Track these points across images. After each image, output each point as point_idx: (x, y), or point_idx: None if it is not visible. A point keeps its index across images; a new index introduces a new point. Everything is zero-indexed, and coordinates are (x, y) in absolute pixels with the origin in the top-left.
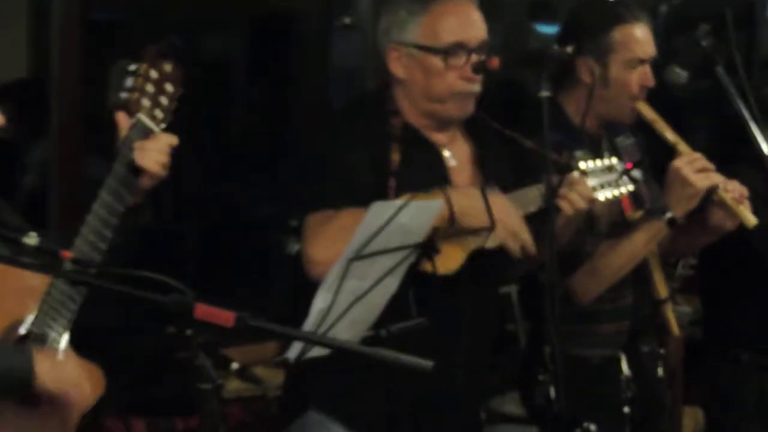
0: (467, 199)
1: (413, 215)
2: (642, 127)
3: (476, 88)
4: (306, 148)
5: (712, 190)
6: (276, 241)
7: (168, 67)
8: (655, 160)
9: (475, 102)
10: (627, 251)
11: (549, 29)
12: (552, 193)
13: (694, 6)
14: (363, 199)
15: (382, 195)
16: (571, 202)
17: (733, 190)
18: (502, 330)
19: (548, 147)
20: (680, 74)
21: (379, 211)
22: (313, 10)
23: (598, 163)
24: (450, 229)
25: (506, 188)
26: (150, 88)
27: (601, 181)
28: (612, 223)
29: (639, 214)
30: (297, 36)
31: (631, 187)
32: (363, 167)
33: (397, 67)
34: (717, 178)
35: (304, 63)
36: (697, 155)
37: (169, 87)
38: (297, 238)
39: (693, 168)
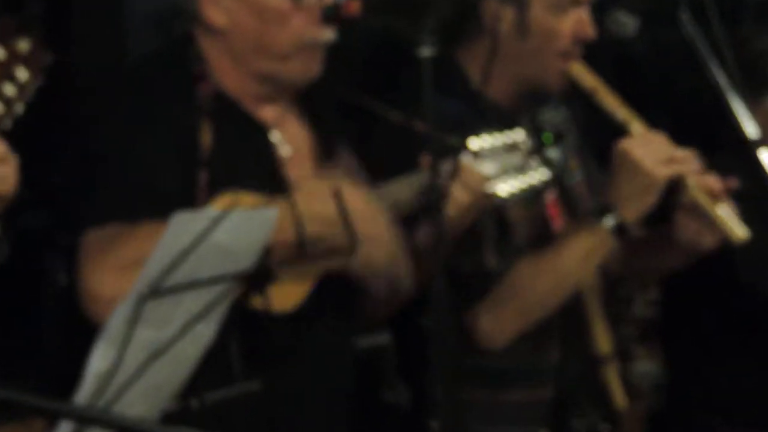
0: (318, 204)
1: (236, 231)
2: (580, 99)
3: (329, 35)
4: (82, 132)
5: (679, 184)
6: (42, 266)
7: (24, 46)
8: (601, 146)
9: (323, 57)
10: (554, 272)
11: None
12: (434, 186)
13: None
14: (164, 205)
15: (189, 197)
16: (453, 196)
17: (711, 187)
18: (374, 397)
19: (428, 121)
20: (625, 23)
21: (184, 225)
22: None
23: (497, 138)
24: (293, 250)
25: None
26: None
27: (502, 165)
28: (534, 236)
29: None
30: None
31: (544, 175)
32: (162, 157)
33: (215, 12)
34: (685, 166)
35: (90, 8)
36: (656, 136)
37: (21, 73)
38: (70, 262)
39: (648, 150)
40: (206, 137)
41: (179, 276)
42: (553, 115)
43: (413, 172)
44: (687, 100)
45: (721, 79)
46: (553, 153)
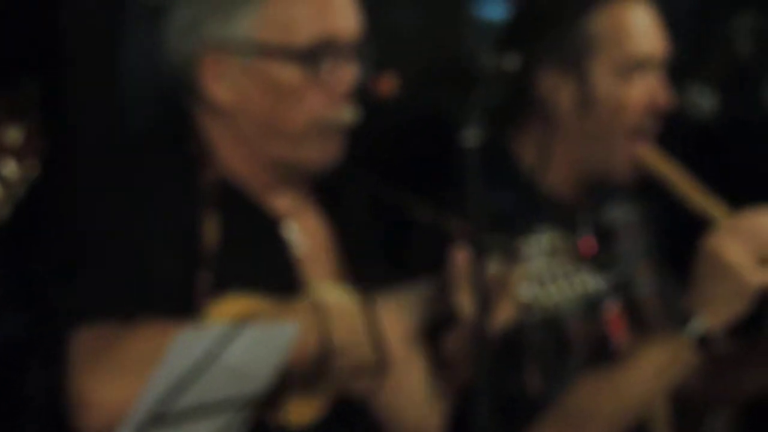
0: (348, 320)
1: (250, 349)
2: (652, 192)
3: (350, 115)
4: (68, 220)
5: None
6: (25, 373)
7: (14, 136)
8: (679, 245)
9: (344, 140)
10: (619, 392)
11: (495, 9)
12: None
13: None
14: (163, 303)
15: (190, 299)
16: (500, 311)
17: None
18: None
19: (473, 218)
20: (702, 98)
21: (190, 343)
22: None
23: (544, 241)
24: (315, 369)
25: (376, 288)
26: None
27: (548, 271)
28: (593, 355)
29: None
30: (67, 23)
31: (596, 284)
32: (160, 250)
33: (220, 87)
34: None
35: (79, 71)
36: (746, 229)
37: (10, 169)
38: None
39: (739, 247)
40: (211, 233)
41: (184, 401)
42: (619, 213)
43: (439, 274)
44: None
45: None
46: (608, 258)
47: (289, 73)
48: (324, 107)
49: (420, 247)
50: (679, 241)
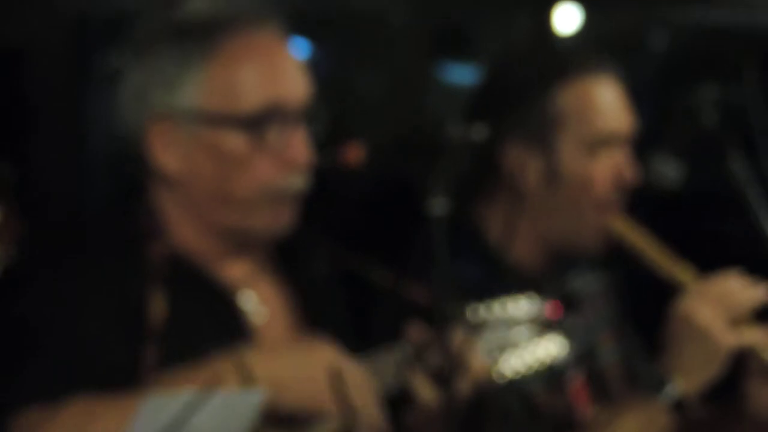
0: (289, 362)
1: (216, 416)
2: (619, 263)
3: (299, 182)
4: (12, 297)
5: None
6: None
7: None
8: (644, 313)
9: (297, 206)
10: None
11: (461, 74)
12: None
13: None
14: (103, 387)
15: (132, 376)
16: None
17: None
18: None
19: (439, 289)
20: (666, 170)
21: (158, 410)
22: (52, 45)
23: (505, 308)
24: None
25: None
26: None
27: (508, 339)
28: (558, 422)
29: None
30: (25, 92)
31: (559, 351)
32: (103, 331)
33: (168, 157)
34: (754, 334)
35: (38, 140)
36: (716, 285)
37: None
38: None
39: (710, 309)
40: (158, 307)
41: None
42: (583, 283)
43: (397, 345)
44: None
45: None
46: (574, 324)
47: (234, 141)
48: (273, 174)
49: (381, 315)
50: (643, 309)
